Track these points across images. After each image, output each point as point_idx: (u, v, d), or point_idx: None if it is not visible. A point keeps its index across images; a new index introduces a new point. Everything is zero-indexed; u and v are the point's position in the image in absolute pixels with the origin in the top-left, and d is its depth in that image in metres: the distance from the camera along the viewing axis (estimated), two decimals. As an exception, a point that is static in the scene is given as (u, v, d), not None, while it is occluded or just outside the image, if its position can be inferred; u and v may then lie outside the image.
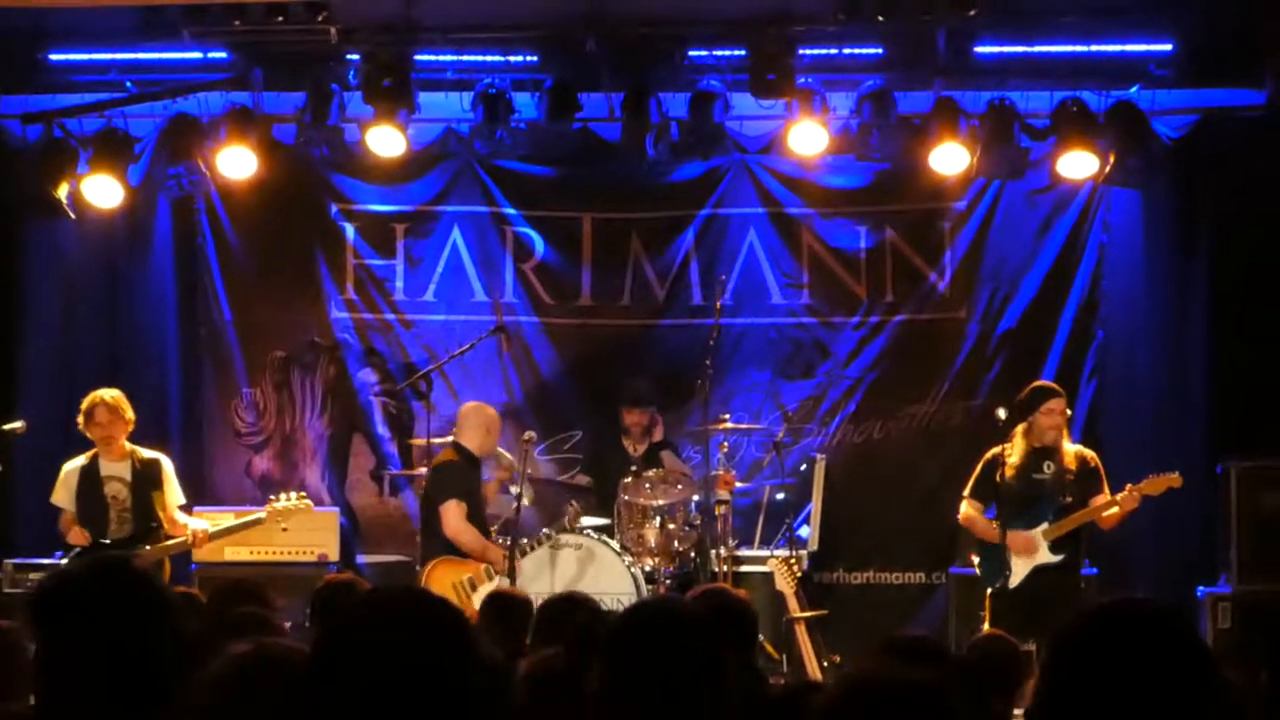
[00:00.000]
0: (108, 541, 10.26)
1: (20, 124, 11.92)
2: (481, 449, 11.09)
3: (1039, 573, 9.89)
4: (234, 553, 11.12)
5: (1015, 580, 9.96)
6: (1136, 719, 2.97)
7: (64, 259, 12.38)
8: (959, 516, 10.41)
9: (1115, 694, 2.99)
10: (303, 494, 10.97)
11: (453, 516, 10.73)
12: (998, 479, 10.11)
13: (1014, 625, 8.49)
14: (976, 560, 10.39)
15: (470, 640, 2.87)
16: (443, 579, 10.55)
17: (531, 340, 12.52)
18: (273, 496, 10.85)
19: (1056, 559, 9.92)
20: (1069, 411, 10.14)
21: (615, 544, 10.81)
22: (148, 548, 10.22)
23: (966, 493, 10.31)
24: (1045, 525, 9.91)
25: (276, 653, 3.18)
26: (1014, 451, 10.11)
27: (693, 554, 11.04)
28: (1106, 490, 10.09)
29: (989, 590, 10.09)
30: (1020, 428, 10.18)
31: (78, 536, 10.33)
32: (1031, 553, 9.89)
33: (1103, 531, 10.82)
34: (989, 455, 10.28)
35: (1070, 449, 10.11)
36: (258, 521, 10.70)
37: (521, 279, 12.55)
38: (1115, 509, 9.95)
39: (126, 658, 3.24)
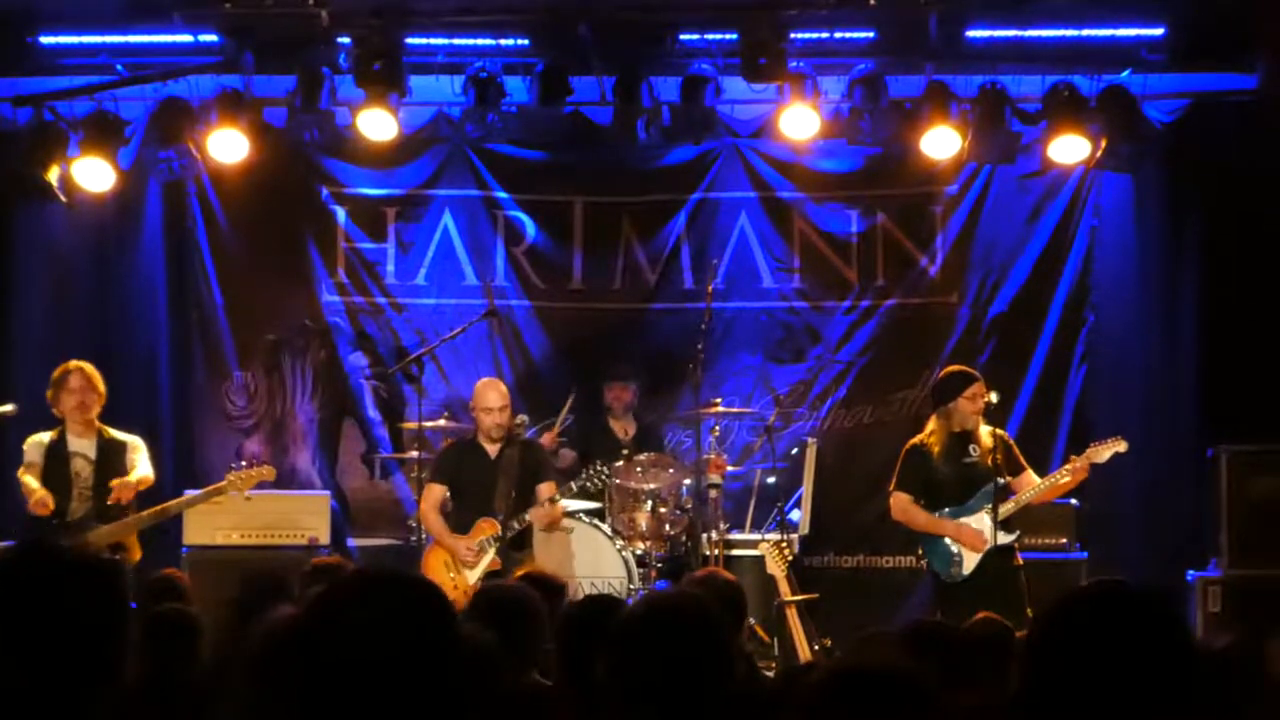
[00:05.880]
0: (69, 520, 9.94)
1: (10, 107, 11.91)
2: (478, 426, 10.70)
3: (990, 555, 9.79)
4: (225, 536, 11.09)
5: (969, 568, 9.80)
6: (1118, 700, 3.00)
7: (54, 242, 12.35)
8: (893, 512, 10.16)
9: (1097, 675, 3.02)
10: (268, 464, 10.70)
11: (422, 499, 10.66)
12: (927, 468, 9.98)
13: (970, 615, 8.29)
14: (922, 554, 10.18)
15: (449, 619, 2.88)
16: (435, 560, 10.52)
17: (523, 324, 12.51)
18: (233, 465, 10.62)
19: (1010, 538, 9.84)
20: (990, 395, 10.02)
21: (607, 527, 10.81)
22: (104, 527, 9.88)
23: (894, 487, 10.08)
24: (993, 507, 9.72)
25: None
26: (935, 439, 9.99)
27: (684, 538, 11.05)
28: (1027, 466, 10.05)
29: (943, 582, 9.89)
30: (936, 414, 10.07)
31: (40, 505, 9.91)
32: (983, 545, 9.81)
33: (1091, 515, 10.85)
34: (909, 446, 10.10)
35: (984, 430, 9.97)
36: (219, 491, 10.36)
37: (513, 263, 12.55)
38: (1067, 479, 9.93)
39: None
